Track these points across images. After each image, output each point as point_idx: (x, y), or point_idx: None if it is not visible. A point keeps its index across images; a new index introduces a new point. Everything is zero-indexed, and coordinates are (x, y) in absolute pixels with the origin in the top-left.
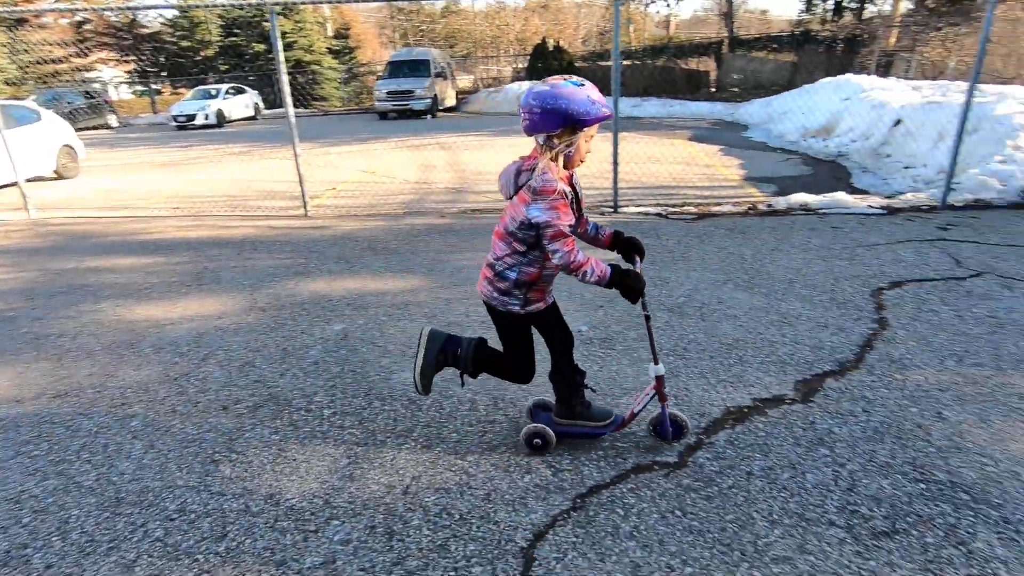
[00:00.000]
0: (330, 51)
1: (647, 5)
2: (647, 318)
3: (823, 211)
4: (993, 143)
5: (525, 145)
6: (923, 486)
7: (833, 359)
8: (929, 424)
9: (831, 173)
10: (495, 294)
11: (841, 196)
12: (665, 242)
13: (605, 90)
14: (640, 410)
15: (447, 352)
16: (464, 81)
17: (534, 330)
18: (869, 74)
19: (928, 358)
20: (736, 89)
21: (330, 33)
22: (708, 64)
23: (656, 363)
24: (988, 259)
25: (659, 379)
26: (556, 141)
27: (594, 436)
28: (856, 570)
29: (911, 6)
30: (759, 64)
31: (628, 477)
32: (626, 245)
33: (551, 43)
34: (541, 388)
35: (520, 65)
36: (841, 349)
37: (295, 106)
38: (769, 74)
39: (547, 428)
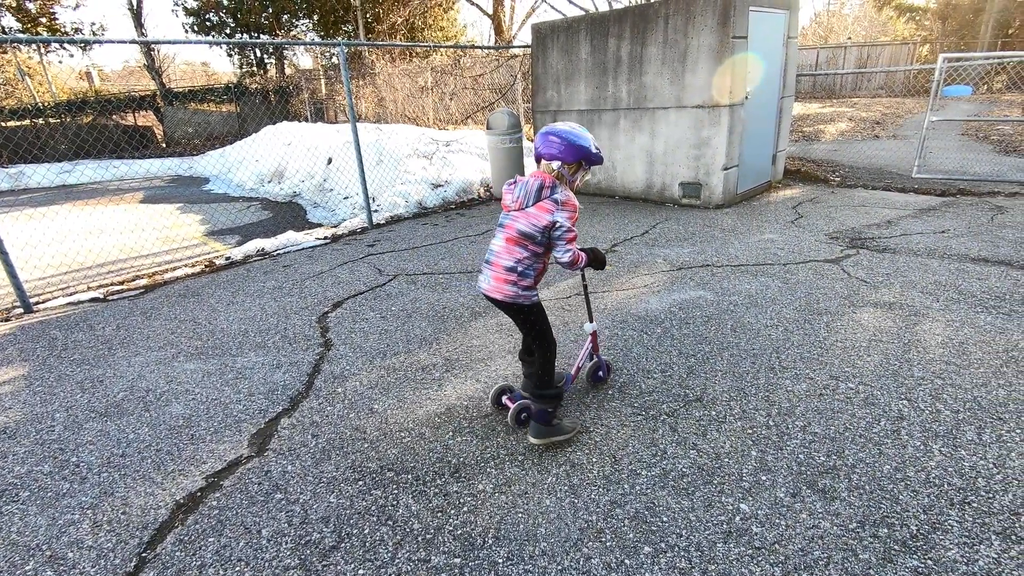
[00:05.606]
0: None
1: (44, 55)
2: (585, 287)
3: (278, 252)
4: (393, 169)
5: None
6: (361, 483)
7: (286, 397)
8: (364, 422)
9: (290, 213)
10: (521, 292)
11: (291, 235)
12: (101, 332)
13: None
14: (582, 363)
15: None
16: None
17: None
18: (303, 121)
19: (362, 363)
20: (197, 141)
21: None
22: (151, 118)
23: (591, 321)
24: (400, 263)
25: (593, 334)
26: (566, 169)
27: (562, 396)
28: None
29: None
30: (205, 116)
31: None
32: None
33: None
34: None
35: None
36: (293, 384)
37: None
38: (218, 125)
39: (526, 401)
